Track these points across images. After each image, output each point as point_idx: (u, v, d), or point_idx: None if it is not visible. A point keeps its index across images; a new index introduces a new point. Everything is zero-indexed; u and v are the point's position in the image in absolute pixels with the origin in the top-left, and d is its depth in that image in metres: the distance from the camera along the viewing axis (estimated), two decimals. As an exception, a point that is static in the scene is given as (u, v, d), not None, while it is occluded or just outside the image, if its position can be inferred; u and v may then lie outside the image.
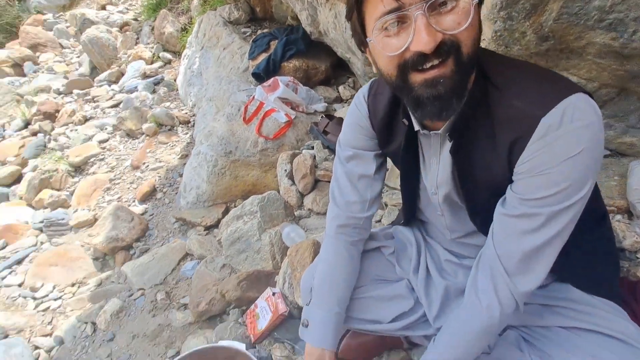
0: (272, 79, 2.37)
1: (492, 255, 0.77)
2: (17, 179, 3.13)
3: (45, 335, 1.80)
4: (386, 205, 1.79)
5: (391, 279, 1.08)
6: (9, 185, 3.08)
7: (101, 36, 4.43)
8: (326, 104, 2.46)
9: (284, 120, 2.27)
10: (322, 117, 2.24)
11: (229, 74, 2.85)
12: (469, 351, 0.81)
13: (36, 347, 1.75)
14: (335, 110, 2.47)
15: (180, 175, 2.60)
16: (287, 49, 2.46)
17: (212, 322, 1.63)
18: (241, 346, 1.27)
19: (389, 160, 1.04)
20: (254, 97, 2.35)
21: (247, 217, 1.84)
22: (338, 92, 2.59)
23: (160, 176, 2.75)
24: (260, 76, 2.51)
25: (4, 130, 3.85)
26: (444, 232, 1.03)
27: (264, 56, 2.53)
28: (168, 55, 4.16)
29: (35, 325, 1.87)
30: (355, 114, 1.02)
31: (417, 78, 0.66)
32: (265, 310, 1.47)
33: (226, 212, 2.17)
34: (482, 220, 0.85)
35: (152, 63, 4.17)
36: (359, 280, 1.04)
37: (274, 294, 1.49)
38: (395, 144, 0.95)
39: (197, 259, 1.99)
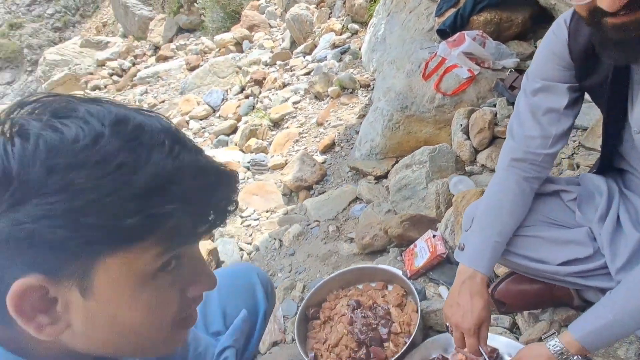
0: (457, 34, 2.28)
1: None
2: (234, 130, 3.98)
3: (247, 243, 2.36)
4: (578, 166, 1.56)
5: (567, 225, 0.96)
6: (228, 135, 3.95)
7: (301, 13, 5.02)
8: (518, 60, 2.22)
9: (465, 75, 2.17)
10: (510, 71, 2.05)
11: (412, 35, 2.86)
12: None
13: (241, 249, 2.31)
14: (527, 67, 2.22)
15: (357, 133, 2.80)
16: (478, 0, 2.31)
17: (373, 256, 1.76)
18: (398, 272, 1.35)
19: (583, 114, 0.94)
20: (436, 53, 2.31)
21: (416, 166, 1.88)
22: (535, 47, 2.30)
23: (339, 132, 3.03)
24: (445, 32, 2.43)
25: (227, 94, 4.87)
26: None
27: (451, 12, 2.43)
28: (355, 26, 4.43)
29: (241, 235, 2.44)
30: (551, 40, 0.93)
31: (608, 21, 0.65)
32: (424, 250, 1.51)
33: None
34: None
35: (341, 34, 4.51)
36: (529, 219, 0.96)
37: (434, 236, 1.51)
38: (599, 76, 0.85)
39: (365, 203, 2.15)
